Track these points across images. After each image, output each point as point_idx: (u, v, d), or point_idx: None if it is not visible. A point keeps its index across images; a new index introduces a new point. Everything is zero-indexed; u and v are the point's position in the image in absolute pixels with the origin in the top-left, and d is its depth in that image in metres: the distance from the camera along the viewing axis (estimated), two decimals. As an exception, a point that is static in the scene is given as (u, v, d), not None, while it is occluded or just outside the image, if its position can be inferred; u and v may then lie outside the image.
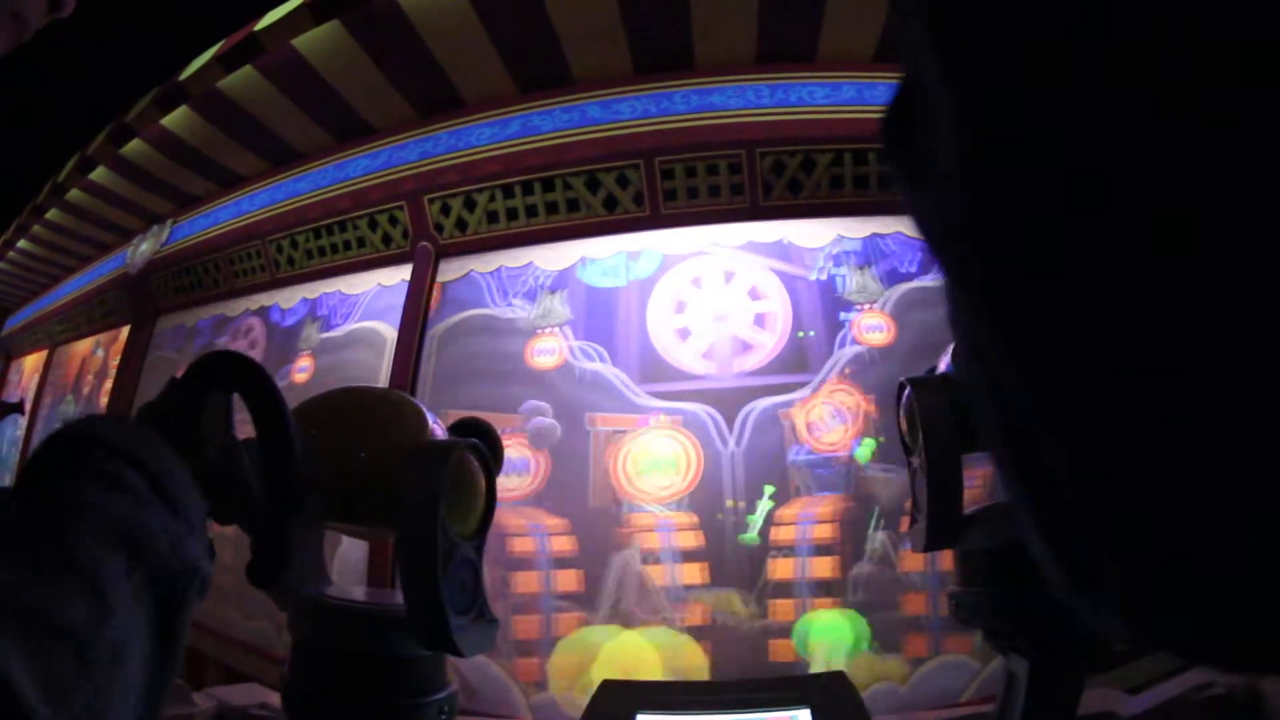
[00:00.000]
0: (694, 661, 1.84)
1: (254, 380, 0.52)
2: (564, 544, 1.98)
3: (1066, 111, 0.17)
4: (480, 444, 0.72)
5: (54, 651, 0.30)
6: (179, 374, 0.52)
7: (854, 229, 2.21)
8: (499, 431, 0.79)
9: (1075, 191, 0.17)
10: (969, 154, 0.19)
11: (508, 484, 2.02)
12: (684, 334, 2.16)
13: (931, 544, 0.75)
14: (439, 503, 0.64)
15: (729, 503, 1.96)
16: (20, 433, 4.37)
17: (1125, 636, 0.20)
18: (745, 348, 2.12)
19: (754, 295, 2.18)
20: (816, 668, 1.78)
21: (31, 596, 0.31)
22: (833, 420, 2.00)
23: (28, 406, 4.41)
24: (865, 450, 1.96)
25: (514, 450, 2.06)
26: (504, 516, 1.99)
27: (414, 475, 0.65)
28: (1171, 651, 0.18)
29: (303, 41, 2.46)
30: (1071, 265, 0.17)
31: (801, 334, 2.10)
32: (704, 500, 1.97)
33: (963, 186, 0.19)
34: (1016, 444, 0.20)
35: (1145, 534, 0.17)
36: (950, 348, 0.80)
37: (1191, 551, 0.17)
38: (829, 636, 1.83)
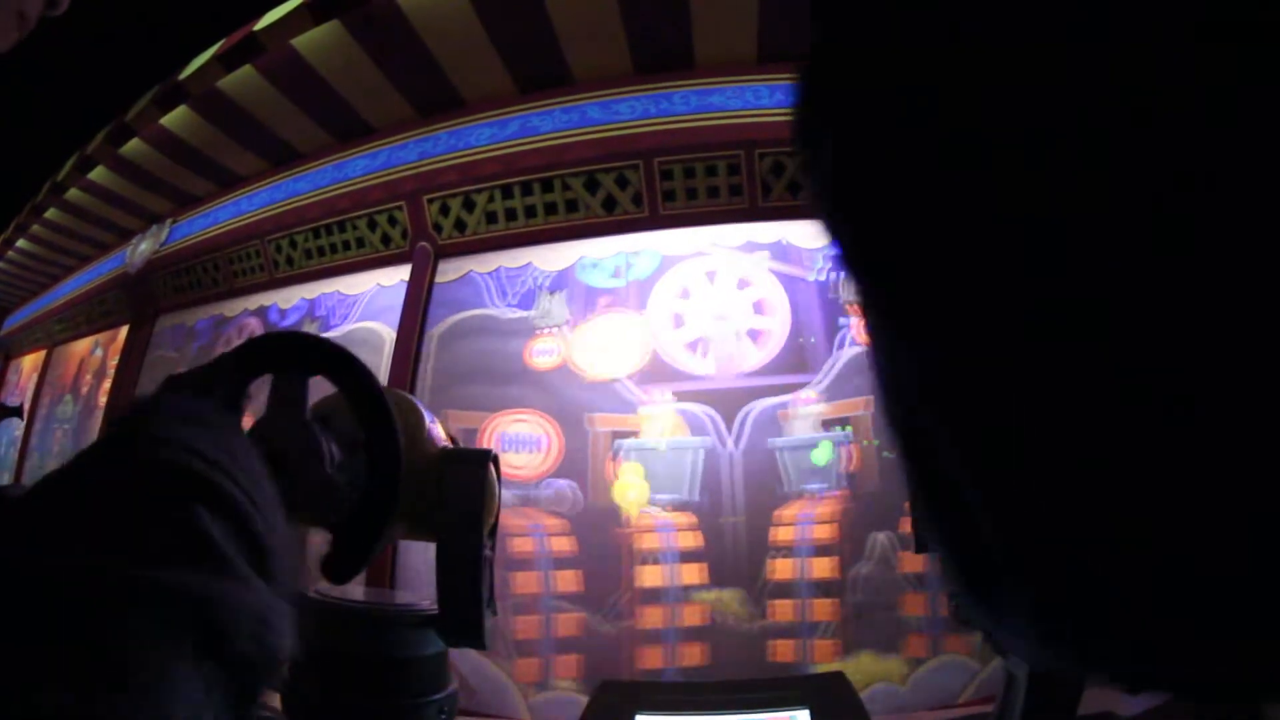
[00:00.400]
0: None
1: (353, 367, 0.48)
2: (564, 544, 1.98)
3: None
4: (493, 450, 0.75)
5: None
6: (238, 352, 0.45)
7: (853, 229, 2.21)
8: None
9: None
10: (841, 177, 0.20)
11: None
12: (683, 335, 2.16)
13: (922, 547, 0.75)
14: (483, 509, 0.66)
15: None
16: (19, 434, 4.37)
17: (1018, 639, 0.19)
18: (744, 348, 2.13)
19: (753, 297, 2.18)
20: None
21: (79, 713, 0.23)
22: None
23: (26, 407, 4.40)
24: (824, 451, 1.97)
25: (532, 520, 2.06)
26: (504, 517, 1.99)
27: (458, 482, 0.66)
28: (1062, 658, 0.19)
29: (302, 41, 2.46)
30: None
31: (802, 339, 2.11)
32: (704, 500, 1.97)
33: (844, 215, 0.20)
34: (917, 458, 0.20)
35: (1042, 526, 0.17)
36: None
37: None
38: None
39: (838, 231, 0.20)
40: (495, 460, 0.75)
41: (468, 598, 0.65)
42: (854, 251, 0.20)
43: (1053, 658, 0.19)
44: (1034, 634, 0.19)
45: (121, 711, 0.24)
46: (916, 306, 0.18)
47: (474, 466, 0.67)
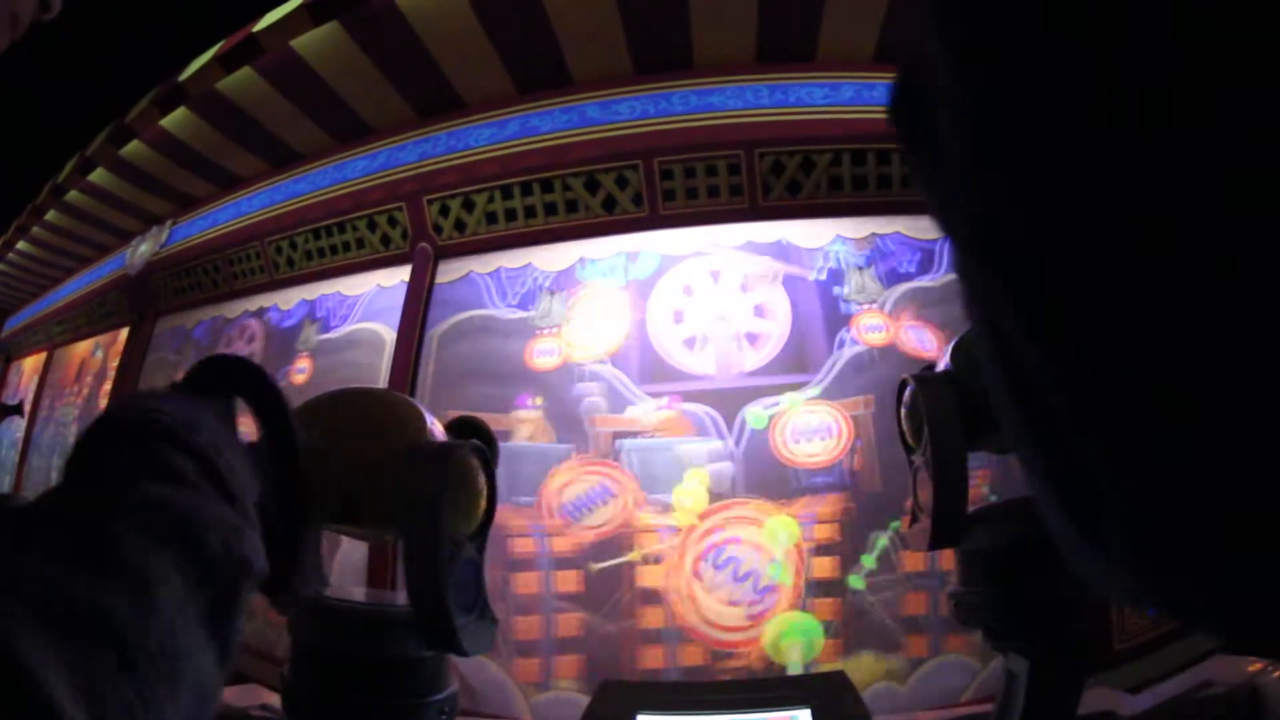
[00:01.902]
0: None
1: (259, 384, 0.51)
2: (564, 544, 1.98)
3: (1078, 106, 0.17)
4: (480, 444, 0.72)
5: (92, 653, 0.28)
6: (178, 378, 0.50)
7: (853, 229, 2.22)
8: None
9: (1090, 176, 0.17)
10: (978, 149, 0.20)
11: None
12: (683, 334, 2.16)
13: (935, 543, 0.75)
14: (443, 503, 0.64)
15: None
16: (20, 435, 4.37)
17: (1122, 589, 0.20)
18: (744, 348, 2.13)
19: (753, 297, 2.18)
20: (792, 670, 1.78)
21: (68, 593, 0.28)
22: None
23: (27, 408, 4.40)
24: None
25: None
26: (505, 517, 1.99)
27: (417, 476, 0.65)
28: (1164, 603, 0.19)
29: (302, 42, 2.46)
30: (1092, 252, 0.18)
31: (801, 340, 2.11)
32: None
33: (973, 183, 0.20)
34: (1029, 402, 0.21)
35: (1160, 481, 0.18)
36: (949, 346, 0.80)
37: (1215, 508, 0.17)
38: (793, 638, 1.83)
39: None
40: (482, 454, 0.73)
41: (430, 597, 0.64)
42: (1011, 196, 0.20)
43: (1153, 594, 0.19)
44: (1142, 569, 0.19)
45: (111, 589, 0.29)
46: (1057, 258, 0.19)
47: (433, 459, 0.66)
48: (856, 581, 1.85)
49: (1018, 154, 0.19)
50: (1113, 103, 0.17)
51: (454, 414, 0.80)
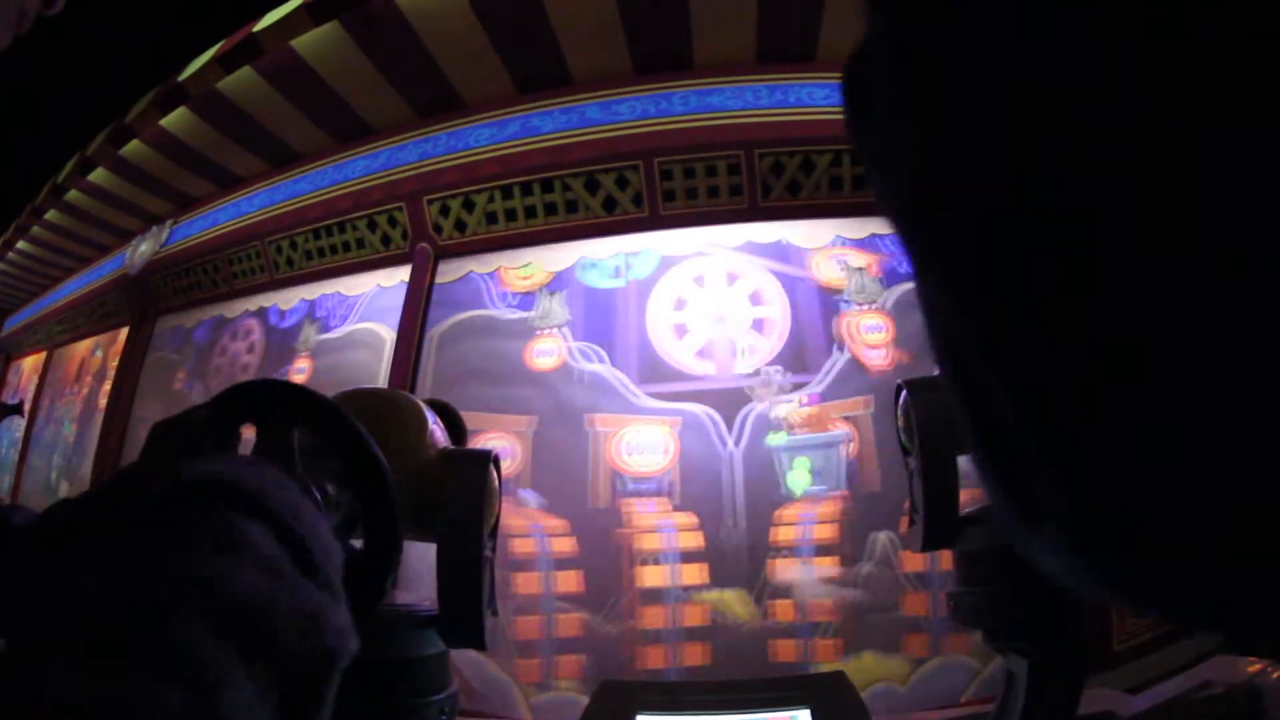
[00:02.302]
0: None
1: (324, 413, 0.45)
2: (564, 545, 1.98)
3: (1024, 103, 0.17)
4: (495, 452, 0.75)
5: None
6: (223, 398, 0.43)
7: (853, 229, 2.22)
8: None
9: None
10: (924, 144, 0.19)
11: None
12: (683, 335, 2.16)
13: (929, 544, 0.75)
14: (483, 511, 0.66)
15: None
16: (20, 434, 4.37)
17: (1068, 574, 0.20)
18: (744, 348, 2.13)
19: (753, 296, 2.18)
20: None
21: (114, 703, 0.23)
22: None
23: (27, 408, 4.40)
24: (801, 474, 1.96)
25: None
26: (505, 517, 1.99)
27: (457, 483, 0.66)
28: (1114, 587, 0.19)
29: (302, 42, 2.46)
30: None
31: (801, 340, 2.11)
32: (704, 500, 1.97)
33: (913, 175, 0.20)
34: (979, 415, 0.21)
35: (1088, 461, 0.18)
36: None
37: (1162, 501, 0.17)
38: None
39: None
40: (496, 461, 0.75)
41: (467, 599, 0.65)
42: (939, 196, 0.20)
43: (1095, 585, 0.19)
44: (1078, 562, 0.19)
45: (172, 706, 0.24)
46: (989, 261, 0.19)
47: (474, 467, 0.67)
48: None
49: (950, 136, 0.19)
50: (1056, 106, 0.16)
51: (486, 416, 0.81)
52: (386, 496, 0.45)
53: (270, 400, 0.44)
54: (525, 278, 2.32)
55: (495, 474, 0.74)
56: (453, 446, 0.75)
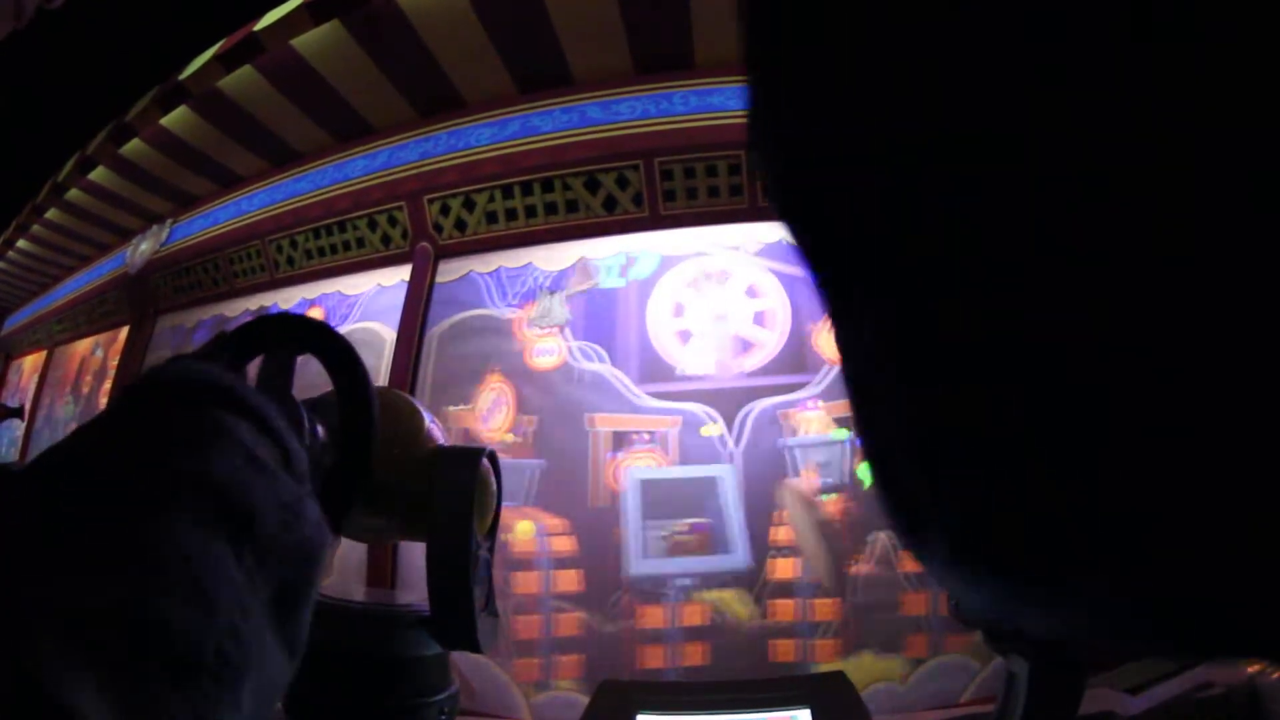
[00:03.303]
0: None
1: (326, 338, 0.51)
2: (564, 544, 1.98)
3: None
4: (492, 449, 0.74)
5: (146, 680, 0.23)
6: (238, 330, 0.48)
7: (854, 229, 2.21)
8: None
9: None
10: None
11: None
12: (683, 334, 2.16)
13: None
14: (472, 508, 0.65)
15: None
16: (20, 434, 4.37)
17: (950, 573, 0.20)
18: (745, 348, 2.13)
19: (753, 295, 2.18)
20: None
21: (112, 608, 0.23)
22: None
23: (27, 408, 4.41)
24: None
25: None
26: (505, 517, 1.99)
27: (448, 480, 0.65)
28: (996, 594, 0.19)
29: (302, 41, 2.46)
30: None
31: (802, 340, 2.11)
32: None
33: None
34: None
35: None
36: None
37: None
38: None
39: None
40: (493, 457, 0.75)
41: (457, 599, 0.64)
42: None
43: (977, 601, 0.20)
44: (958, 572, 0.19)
45: (162, 593, 0.24)
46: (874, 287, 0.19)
47: (465, 463, 0.66)
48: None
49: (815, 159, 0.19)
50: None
51: (455, 414, 0.81)
52: (367, 412, 0.49)
53: (274, 329, 0.49)
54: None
55: (494, 472, 0.74)
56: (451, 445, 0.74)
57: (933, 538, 0.19)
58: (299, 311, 2.76)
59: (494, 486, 0.73)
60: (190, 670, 0.24)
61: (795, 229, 0.21)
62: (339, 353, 0.50)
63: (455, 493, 0.65)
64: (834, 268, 0.20)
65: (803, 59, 0.19)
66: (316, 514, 0.32)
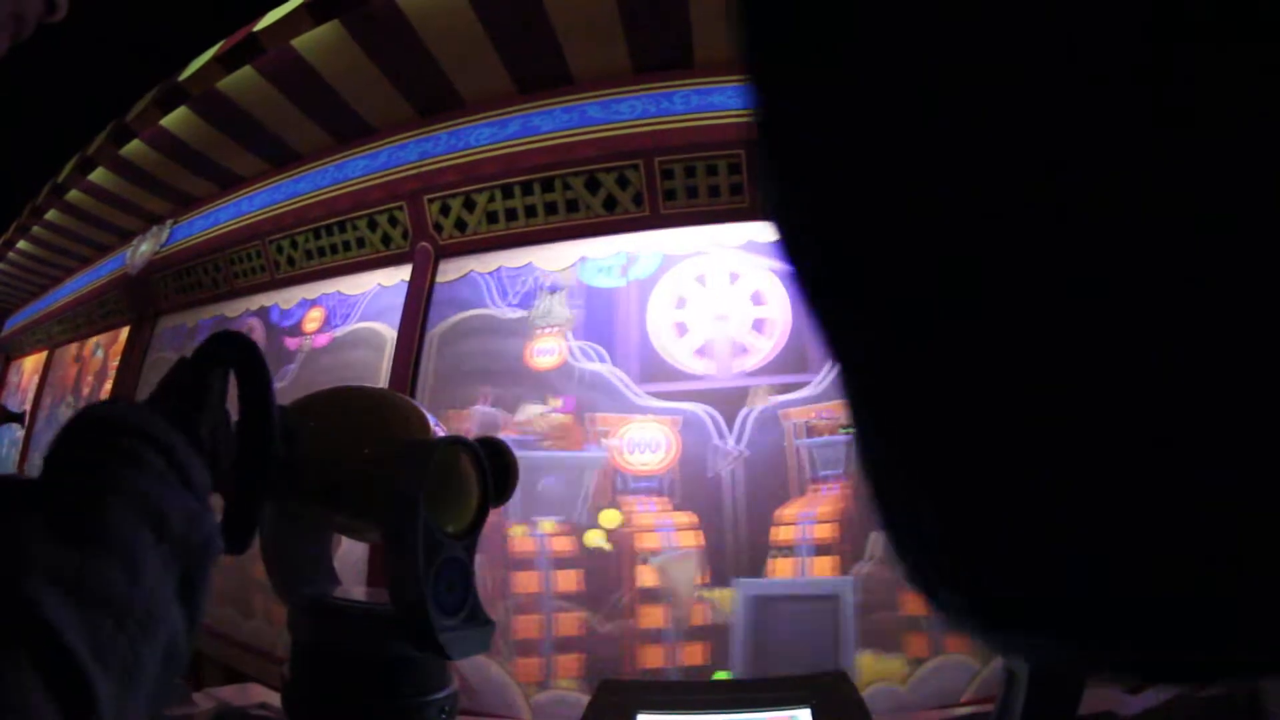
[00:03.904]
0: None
1: (247, 358, 0.56)
2: (563, 543, 1.98)
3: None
4: (471, 441, 0.71)
5: (97, 618, 0.34)
6: (188, 353, 0.56)
7: (854, 229, 2.21)
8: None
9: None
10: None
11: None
12: (684, 334, 2.16)
13: None
14: (420, 499, 0.63)
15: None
16: (20, 434, 4.37)
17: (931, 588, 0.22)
18: (745, 348, 2.12)
19: (754, 295, 2.18)
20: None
21: (76, 567, 0.34)
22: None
23: (28, 409, 4.41)
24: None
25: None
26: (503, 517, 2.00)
27: (399, 471, 0.64)
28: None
29: (302, 42, 2.46)
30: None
31: (802, 340, 2.10)
32: (704, 500, 1.97)
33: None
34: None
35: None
36: None
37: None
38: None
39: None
40: (496, 450, 0.72)
41: (406, 595, 0.63)
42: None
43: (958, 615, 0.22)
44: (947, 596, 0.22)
45: (108, 562, 0.36)
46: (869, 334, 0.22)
47: (415, 456, 0.65)
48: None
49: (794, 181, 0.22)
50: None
51: (455, 414, 0.80)
52: (266, 429, 0.56)
53: (212, 348, 0.56)
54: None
55: (472, 465, 0.71)
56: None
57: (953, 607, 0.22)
58: (299, 312, 2.76)
59: (471, 482, 0.70)
60: (125, 614, 0.35)
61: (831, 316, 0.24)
62: (242, 366, 0.56)
63: (401, 484, 0.64)
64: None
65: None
66: (212, 523, 0.44)
